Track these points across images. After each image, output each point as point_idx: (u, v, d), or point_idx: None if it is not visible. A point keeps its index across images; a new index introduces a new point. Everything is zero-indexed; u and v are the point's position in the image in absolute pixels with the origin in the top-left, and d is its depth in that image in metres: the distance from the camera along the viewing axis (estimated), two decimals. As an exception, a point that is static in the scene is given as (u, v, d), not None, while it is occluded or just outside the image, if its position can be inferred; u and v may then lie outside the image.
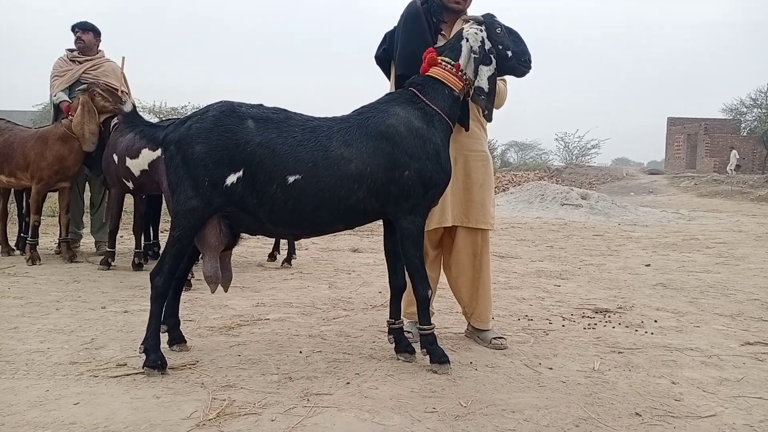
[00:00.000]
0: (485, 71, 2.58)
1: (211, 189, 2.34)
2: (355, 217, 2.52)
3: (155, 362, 2.37)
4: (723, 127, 29.53)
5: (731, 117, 29.90)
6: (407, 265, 2.56)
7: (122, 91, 5.35)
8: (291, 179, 2.36)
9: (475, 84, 2.58)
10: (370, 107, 2.57)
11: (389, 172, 2.43)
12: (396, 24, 2.82)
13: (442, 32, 2.85)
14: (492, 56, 2.59)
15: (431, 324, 2.58)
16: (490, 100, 2.61)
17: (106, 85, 4.98)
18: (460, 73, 2.60)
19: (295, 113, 2.51)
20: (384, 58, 2.92)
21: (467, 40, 2.59)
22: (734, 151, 25.73)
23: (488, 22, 2.63)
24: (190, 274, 4.23)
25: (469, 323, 3.04)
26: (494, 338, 2.88)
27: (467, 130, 2.76)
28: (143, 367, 2.37)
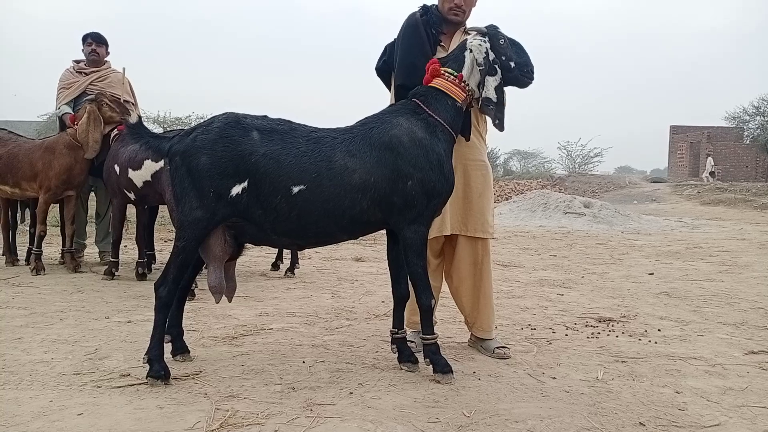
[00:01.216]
0: (491, 82, 2.61)
1: (216, 200, 2.36)
2: (359, 227, 2.54)
3: (159, 372, 2.38)
4: (726, 135, 29.50)
5: (734, 125, 29.87)
6: (410, 274, 2.57)
7: (130, 103, 5.43)
8: (295, 189, 2.37)
9: (483, 95, 2.61)
10: (373, 118, 2.59)
11: (393, 182, 2.44)
12: (396, 36, 2.85)
13: (442, 44, 2.88)
14: (497, 66, 2.63)
15: (434, 333, 2.58)
16: (499, 109, 2.64)
17: (113, 96, 5.03)
18: (463, 83, 2.62)
19: (299, 124, 2.53)
20: (384, 69, 2.95)
21: (471, 51, 2.61)
22: (710, 158, 26.20)
23: (491, 33, 2.66)
24: (193, 284, 4.24)
25: (471, 333, 3.03)
26: (497, 347, 2.88)
27: (468, 140, 2.78)
28: (147, 377, 2.38)
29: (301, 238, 2.54)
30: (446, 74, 2.62)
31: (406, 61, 2.76)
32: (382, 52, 2.95)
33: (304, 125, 2.54)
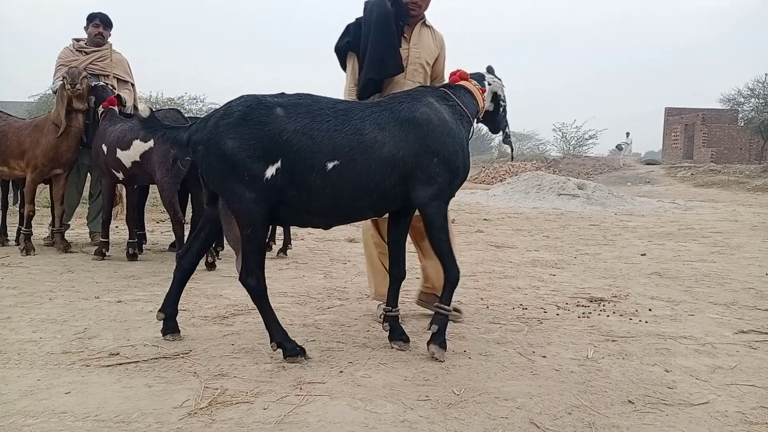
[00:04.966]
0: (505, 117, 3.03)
1: (253, 182, 2.29)
2: (385, 203, 2.52)
3: (295, 349, 2.41)
4: (720, 117, 29.46)
5: (729, 107, 29.82)
6: (437, 250, 2.56)
7: (129, 83, 5.41)
8: (330, 165, 2.33)
9: (507, 129, 3.02)
10: (402, 94, 2.62)
11: (419, 157, 2.44)
12: (362, 17, 2.84)
13: (404, 35, 2.96)
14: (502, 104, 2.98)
15: (450, 308, 2.56)
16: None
17: (89, 73, 4.99)
18: (483, 96, 2.82)
19: (321, 96, 2.47)
20: (346, 50, 2.95)
21: (490, 84, 2.89)
22: (629, 135, 27.72)
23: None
24: (213, 257, 4.27)
25: (433, 292, 3.11)
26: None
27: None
28: (285, 358, 2.39)
29: (332, 216, 2.50)
30: (473, 82, 2.81)
31: (377, 54, 2.82)
32: (344, 32, 2.95)
33: (326, 97, 2.47)
